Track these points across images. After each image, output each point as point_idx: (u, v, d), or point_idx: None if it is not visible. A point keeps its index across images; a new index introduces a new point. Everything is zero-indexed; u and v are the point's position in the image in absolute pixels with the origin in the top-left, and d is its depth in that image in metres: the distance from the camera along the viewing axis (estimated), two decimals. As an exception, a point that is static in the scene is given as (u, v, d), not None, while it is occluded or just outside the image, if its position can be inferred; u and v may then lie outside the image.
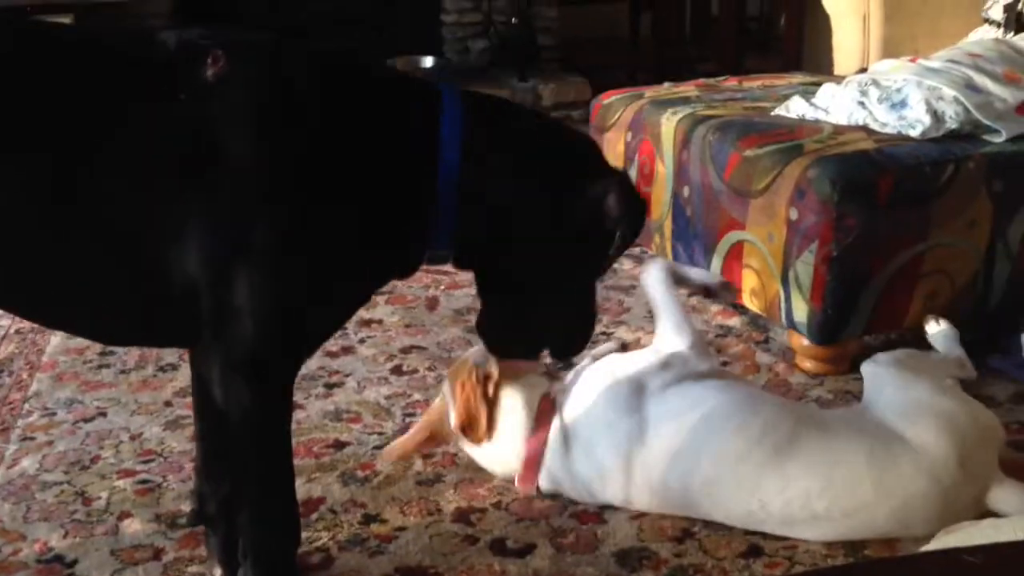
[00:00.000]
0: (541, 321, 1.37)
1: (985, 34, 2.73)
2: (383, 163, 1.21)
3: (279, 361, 1.23)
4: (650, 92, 2.53)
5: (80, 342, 2.18)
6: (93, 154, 1.13)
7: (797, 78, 2.63)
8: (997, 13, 2.71)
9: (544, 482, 1.57)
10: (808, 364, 1.97)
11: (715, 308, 2.28)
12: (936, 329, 1.84)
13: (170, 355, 2.12)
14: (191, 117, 1.14)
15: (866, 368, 1.62)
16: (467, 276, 1.58)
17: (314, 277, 1.21)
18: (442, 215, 1.23)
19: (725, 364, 2.01)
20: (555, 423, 1.56)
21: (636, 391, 1.53)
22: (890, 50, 2.76)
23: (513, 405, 1.58)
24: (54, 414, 1.92)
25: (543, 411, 1.58)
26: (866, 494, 1.40)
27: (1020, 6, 2.60)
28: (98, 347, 2.17)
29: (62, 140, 1.13)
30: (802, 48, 3.94)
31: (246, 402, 1.21)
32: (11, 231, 1.15)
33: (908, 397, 1.47)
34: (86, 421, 1.89)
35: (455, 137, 1.21)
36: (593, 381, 1.58)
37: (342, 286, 1.25)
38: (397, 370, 2.06)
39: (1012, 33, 2.65)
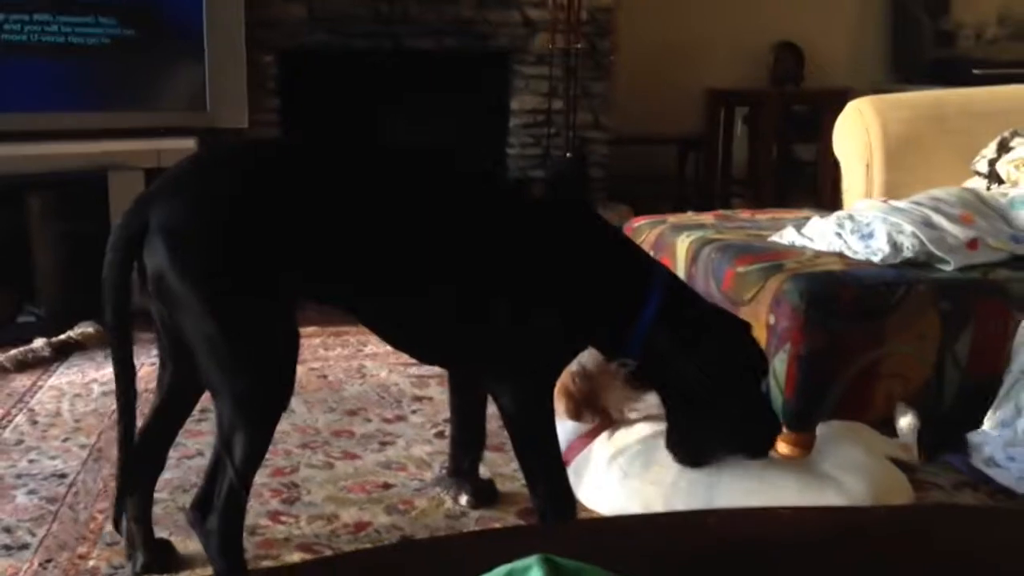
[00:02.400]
0: (714, 431, 1.88)
1: (974, 185, 3.12)
2: (617, 296, 1.85)
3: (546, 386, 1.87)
4: (672, 218, 2.98)
5: (184, 399, 2.66)
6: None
7: (803, 213, 3.06)
8: (983, 167, 3.11)
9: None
10: (784, 448, 2.32)
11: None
12: (903, 419, 2.21)
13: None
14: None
15: (820, 428, 2.03)
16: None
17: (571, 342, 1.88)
18: (635, 338, 1.83)
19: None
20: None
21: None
22: (890, 194, 3.15)
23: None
24: (162, 451, 2.38)
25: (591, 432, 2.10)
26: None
27: (998, 162, 3.00)
28: (200, 405, 2.64)
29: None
30: (839, 192, 4.38)
31: (531, 408, 1.82)
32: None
33: (845, 453, 1.84)
34: (188, 458, 2.34)
35: (655, 300, 1.83)
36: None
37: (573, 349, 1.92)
38: (440, 435, 2.47)
39: (996, 185, 3.05)
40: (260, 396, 1.64)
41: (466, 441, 2.13)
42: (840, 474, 1.83)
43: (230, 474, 1.66)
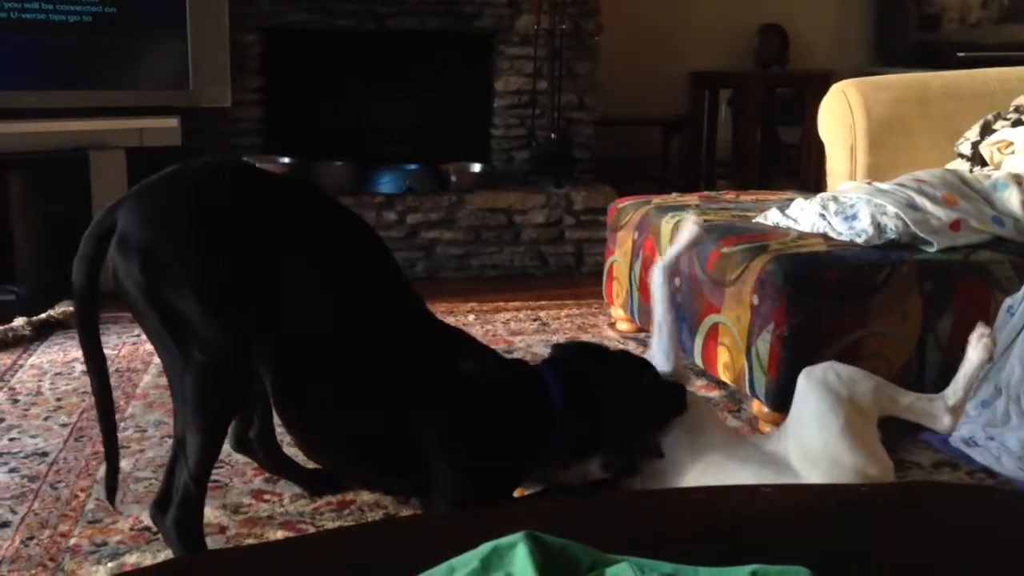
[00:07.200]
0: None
1: (957, 167, 3.13)
2: (522, 419, 1.86)
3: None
4: (657, 199, 2.98)
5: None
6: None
7: (787, 194, 3.06)
8: (966, 149, 3.13)
9: None
10: (767, 428, 2.34)
11: (699, 383, 2.67)
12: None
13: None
14: None
15: (801, 383, 1.82)
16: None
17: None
18: (555, 437, 1.85)
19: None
20: None
21: None
22: (873, 176, 3.17)
23: None
24: (145, 431, 2.38)
25: None
26: None
27: (981, 145, 3.01)
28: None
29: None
30: (822, 174, 4.40)
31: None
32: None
33: (819, 441, 1.74)
34: (170, 437, 2.32)
35: (558, 402, 1.85)
36: None
37: (502, 471, 1.86)
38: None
39: (979, 167, 3.06)
40: (206, 400, 1.67)
41: None
42: (805, 464, 1.74)
43: (185, 475, 1.70)
